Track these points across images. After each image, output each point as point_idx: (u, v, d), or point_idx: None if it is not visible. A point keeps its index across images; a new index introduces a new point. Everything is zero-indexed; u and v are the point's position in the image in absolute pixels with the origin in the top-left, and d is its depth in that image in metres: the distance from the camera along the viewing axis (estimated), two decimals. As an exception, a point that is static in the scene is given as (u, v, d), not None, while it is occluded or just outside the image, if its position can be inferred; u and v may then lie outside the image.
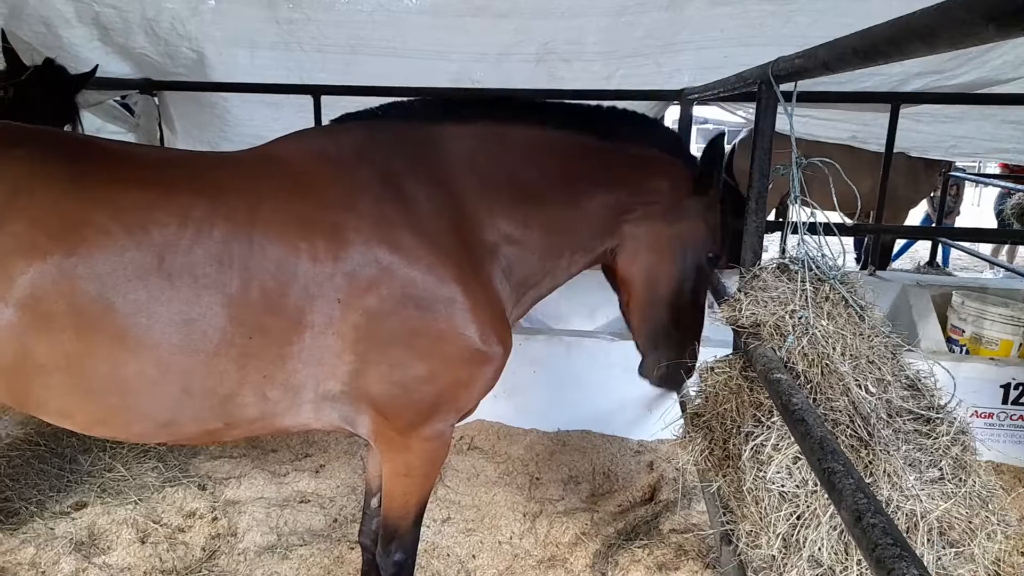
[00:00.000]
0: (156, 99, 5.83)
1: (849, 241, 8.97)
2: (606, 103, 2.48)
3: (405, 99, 2.41)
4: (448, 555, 3.28)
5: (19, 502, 3.54)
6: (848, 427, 1.81)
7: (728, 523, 2.12)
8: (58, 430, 4.19)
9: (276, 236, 1.95)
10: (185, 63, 5.44)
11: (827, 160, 2.17)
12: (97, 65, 4.74)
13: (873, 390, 1.87)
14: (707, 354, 2.67)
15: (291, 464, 4.08)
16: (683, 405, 3.49)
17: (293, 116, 5.49)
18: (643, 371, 2.57)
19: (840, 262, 2.17)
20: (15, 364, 1.89)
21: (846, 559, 1.71)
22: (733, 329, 2.23)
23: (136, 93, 5.71)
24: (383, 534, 2.35)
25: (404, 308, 2.02)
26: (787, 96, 2.24)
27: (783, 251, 2.38)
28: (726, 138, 2.60)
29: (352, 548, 3.26)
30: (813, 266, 2.10)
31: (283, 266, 1.94)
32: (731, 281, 2.87)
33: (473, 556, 3.28)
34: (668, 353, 2.47)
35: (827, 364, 1.89)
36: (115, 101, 5.97)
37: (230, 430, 2.08)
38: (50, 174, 1.90)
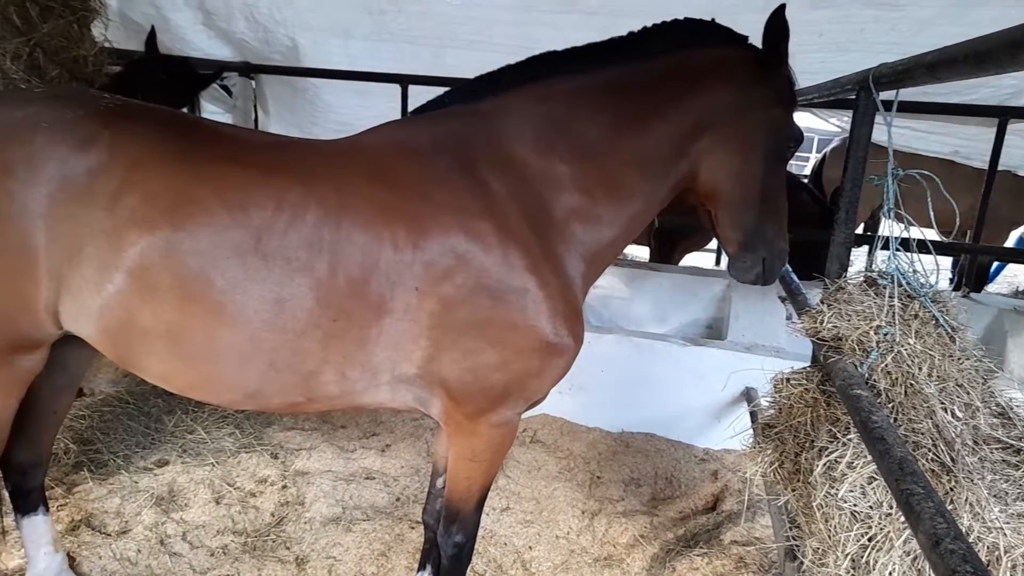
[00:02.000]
0: (253, 82, 6.08)
1: (946, 260, 8.55)
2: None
3: (463, 84, 2.35)
4: (505, 544, 3.31)
5: (108, 455, 3.77)
6: (930, 451, 1.74)
7: (794, 539, 2.07)
8: (146, 391, 4.45)
9: (362, 224, 2.01)
10: (281, 49, 5.65)
11: (926, 173, 2.08)
12: (223, 70, 4.99)
13: (960, 415, 1.79)
14: (782, 365, 2.61)
15: (359, 441, 4.20)
16: (754, 415, 3.43)
17: (381, 104, 5.63)
18: (736, 272, 2.37)
19: (933, 280, 2.08)
20: (122, 328, 2.02)
21: (919, 587, 1.65)
22: (813, 341, 2.18)
23: (235, 76, 5.97)
24: (446, 515, 2.40)
25: (477, 297, 2.05)
26: (887, 104, 2.16)
27: (868, 266, 2.30)
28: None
29: (413, 527, 3.34)
30: (903, 282, 2.03)
31: (367, 253, 2.00)
32: (813, 293, 2.80)
33: (530, 547, 3.30)
34: (763, 252, 2.29)
35: (912, 384, 1.83)
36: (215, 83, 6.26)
37: (311, 404, 2.17)
38: (164, 152, 2.01)
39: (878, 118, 2.25)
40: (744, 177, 2.22)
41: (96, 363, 4.26)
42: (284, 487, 3.64)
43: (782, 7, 2.12)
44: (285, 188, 2.01)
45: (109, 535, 3.17)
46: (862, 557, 1.70)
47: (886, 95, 2.20)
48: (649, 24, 2.24)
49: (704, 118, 2.19)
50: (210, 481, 3.60)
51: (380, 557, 3.15)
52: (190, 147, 2.04)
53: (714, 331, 5.31)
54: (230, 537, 3.21)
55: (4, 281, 1.99)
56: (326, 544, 3.20)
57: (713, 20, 2.23)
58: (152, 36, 4.42)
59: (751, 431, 2.84)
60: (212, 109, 6.36)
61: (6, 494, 2.69)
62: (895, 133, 2.11)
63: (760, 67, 2.17)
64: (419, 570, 2.75)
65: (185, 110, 4.57)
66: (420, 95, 5.11)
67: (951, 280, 8.47)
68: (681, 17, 2.22)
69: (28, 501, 2.67)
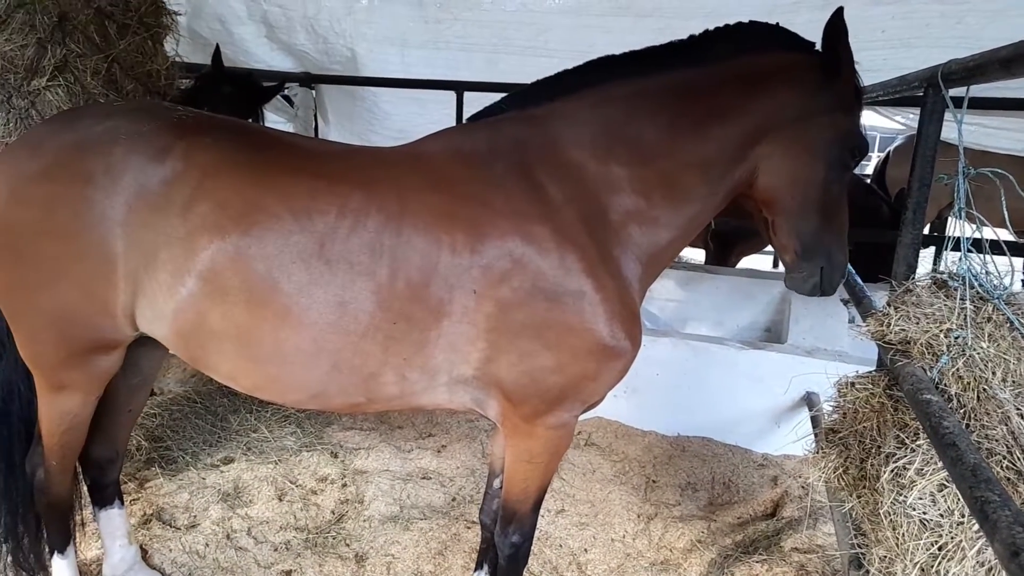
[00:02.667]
0: (313, 92, 6.25)
1: (1020, 262, 8.18)
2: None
3: (519, 89, 2.37)
4: (560, 546, 3.32)
5: (177, 452, 3.92)
6: (1005, 458, 1.68)
7: (859, 546, 2.02)
8: (212, 391, 4.61)
9: (422, 229, 2.05)
10: (340, 59, 5.80)
11: (1000, 171, 2.01)
12: (285, 82, 5.18)
13: (1037, 421, 1.72)
14: (845, 370, 2.55)
15: (415, 442, 4.27)
16: (816, 420, 3.35)
17: (437, 112, 5.72)
18: (792, 284, 2.33)
19: (1007, 282, 2.01)
20: (193, 329, 2.11)
21: (993, 598, 1.59)
22: (879, 345, 2.12)
23: (296, 86, 6.15)
24: (502, 515, 2.42)
25: (534, 300, 2.06)
26: (957, 101, 2.10)
27: (938, 267, 2.23)
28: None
29: (468, 527, 3.37)
30: (975, 283, 1.96)
31: (427, 257, 2.04)
32: (878, 296, 2.72)
33: (585, 550, 3.30)
34: (821, 262, 2.25)
35: (985, 389, 1.76)
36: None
37: (372, 404, 2.22)
38: (234, 161, 2.10)
39: (947, 115, 2.19)
40: (803, 185, 2.17)
41: (165, 364, 4.43)
42: (344, 485, 3.72)
43: (840, 9, 2.06)
44: (347, 195, 2.06)
45: (179, 529, 3.30)
46: (932, 567, 1.65)
47: (956, 91, 2.13)
48: (704, 26, 2.22)
49: (764, 123, 2.14)
50: (273, 479, 3.71)
51: (437, 556, 3.19)
52: (258, 157, 2.12)
53: (772, 334, 5.21)
54: (292, 533, 3.31)
55: (85, 285, 2.10)
56: (384, 542, 3.26)
57: (777, 24, 2.19)
58: (217, 52, 4.60)
59: (813, 436, 2.78)
60: (275, 119, 6.56)
61: (85, 488, 2.83)
62: (964, 130, 2.04)
63: (824, 72, 2.12)
64: (476, 569, 2.78)
65: (249, 121, 4.73)
66: (475, 101, 5.21)
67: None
68: (737, 17, 2.19)
69: (105, 495, 2.80)
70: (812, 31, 2.18)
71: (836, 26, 2.07)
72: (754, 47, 2.16)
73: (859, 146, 2.18)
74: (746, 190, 2.26)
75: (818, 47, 2.17)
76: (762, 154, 2.17)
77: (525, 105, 2.29)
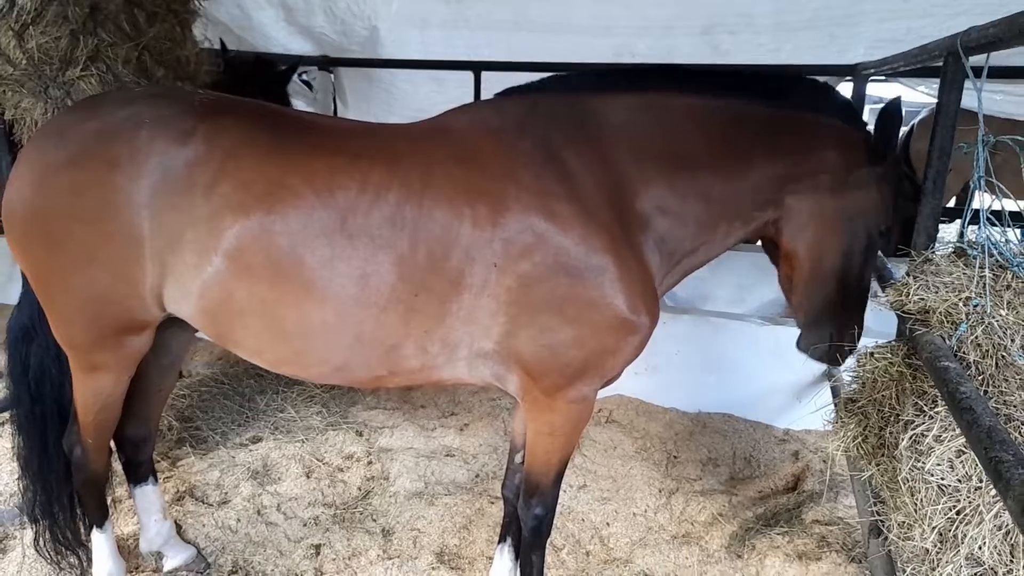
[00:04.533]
0: (332, 75, 6.28)
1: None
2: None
3: (566, 73, 2.43)
4: (583, 520, 3.37)
5: (207, 431, 4.02)
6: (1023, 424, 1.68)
7: (878, 514, 2.04)
8: (239, 372, 4.71)
9: (444, 202, 2.08)
10: (359, 40, 5.82)
11: (1020, 139, 1.99)
12: (299, 61, 5.24)
13: (1057, 387, 1.72)
14: (866, 343, 2.55)
15: (438, 420, 4.33)
16: (835, 391, 3.36)
17: (455, 91, 5.73)
18: (802, 346, 2.45)
19: (1027, 249, 2.00)
20: (219, 306, 2.16)
21: (1011, 561, 1.61)
22: (898, 315, 2.12)
23: (315, 69, 6.18)
24: (525, 489, 2.46)
25: (555, 275, 2.09)
26: (977, 71, 2.08)
27: (959, 238, 2.22)
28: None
29: (492, 502, 3.43)
30: (995, 252, 1.95)
31: (448, 230, 2.07)
32: (900, 268, 2.71)
33: (607, 524, 3.35)
34: (830, 330, 2.36)
35: (1003, 356, 1.77)
36: (295, 77, 6.49)
37: (393, 377, 2.26)
38: (255, 142, 2.14)
39: (968, 85, 2.17)
40: (823, 251, 2.27)
41: (193, 347, 4.53)
42: (369, 463, 3.80)
43: (899, 98, 2.19)
44: (368, 170, 2.10)
45: (211, 505, 3.39)
46: (950, 531, 1.67)
47: (976, 59, 2.11)
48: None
49: (806, 177, 2.24)
50: (300, 456, 3.79)
51: (462, 530, 3.25)
52: (279, 136, 2.16)
53: (794, 310, 5.18)
54: (321, 509, 3.39)
55: (115, 268, 2.16)
56: (410, 517, 3.33)
57: (836, 91, 2.35)
58: (225, 53, 4.62)
59: (832, 407, 2.79)
60: (294, 102, 6.61)
61: (119, 466, 2.92)
62: (987, 99, 2.03)
63: (870, 151, 2.23)
64: (500, 542, 2.83)
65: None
66: (494, 81, 5.21)
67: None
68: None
69: (139, 472, 2.89)
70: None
71: (892, 112, 2.19)
72: (823, 108, 2.28)
73: (887, 225, 2.31)
74: (772, 232, 2.35)
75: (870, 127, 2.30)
76: (794, 205, 2.27)
77: (574, 89, 2.34)
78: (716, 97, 2.25)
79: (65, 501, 2.72)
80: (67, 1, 2.76)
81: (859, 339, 2.36)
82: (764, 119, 2.24)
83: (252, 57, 4.96)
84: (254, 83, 4.56)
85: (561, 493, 2.72)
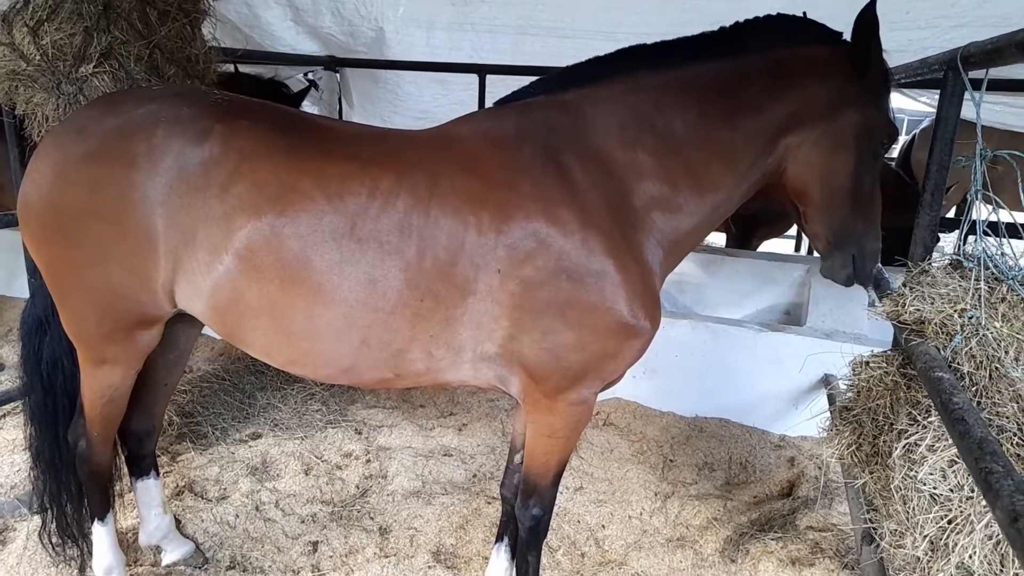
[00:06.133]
0: (338, 75, 6.31)
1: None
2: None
3: (550, 74, 2.40)
4: (579, 522, 3.40)
5: (207, 427, 4.05)
6: (1016, 435, 1.72)
7: (871, 521, 2.07)
8: (240, 369, 4.73)
9: (450, 210, 2.11)
10: (365, 41, 5.85)
11: (1017, 153, 2.03)
12: (310, 85, 5.22)
13: (1049, 400, 1.76)
14: (863, 352, 2.58)
15: (436, 420, 4.36)
16: (831, 399, 3.39)
17: (460, 93, 5.75)
18: (827, 272, 2.36)
19: (1022, 262, 2.03)
20: (230, 305, 2.19)
21: (1001, 571, 1.64)
22: (894, 325, 2.15)
23: (321, 69, 6.21)
24: (523, 489, 2.49)
25: (557, 280, 2.11)
26: (976, 84, 2.11)
27: (957, 250, 2.25)
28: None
29: (489, 502, 3.46)
30: (990, 264, 1.99)
31: (454, 237, 2.10)
32: (896, 278, 2.75)
33: (603, 526, 3.38)
34: (852, 251, 2.28)
35: (997, 368, 1.80)
36: (301, 77, 6.52)
37: (400, 380, 2.30)
38: (270, 144, 2.17)
39: (967, 97, 2.20)
40: (835, 175, 2.20)
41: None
42: (368, 461, 3.83)
43: (872, 2, 2.08)
44: (379, 177, 2.13)
45: (210, 500, 3.42)
46: (941, 539, 1.70)
47: (976, 73, 2.15)
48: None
49: (794, 115, 2.18)
50: (299, 454, 3.82)
51: (459, 530, 3.28)
52: (293, 140, 2.19)
53: (792, 317, 5.23)
54: (319, 506, 3.42)
55: (129, 263, 2.19)
56: (407, 516, 3.36)
57: (804, 15, 2.21)
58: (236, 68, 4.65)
59: (828, 415, 2.82)
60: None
61: (122, 459, 2.95)
62: (988, 111, 2.07)
63: (853, 64, 2.15)
64: (496, 542, 2.86)
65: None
66: (498, 83, 5.24)
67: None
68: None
69: (142, 466, 2.92)
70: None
71: (867, 18, 2.10)
72: (785, 40, 2.19)
73: (889, 134, 2.21)
74: (775, 180, 2.29)
75: (847, 37, 2.18)
76: (791, 145, 2.20)
77: (554, 90, 2.33)
78: (683, 66, 2.22)
79: (74, 490, 2.76)
80: (82, -1, 2.79)
81: (879, 253, 2.29)
82: (732, 75, 2.19)
83: (266, 77, 5.00)
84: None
85: (558, 495, 2.74)
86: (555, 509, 2.85)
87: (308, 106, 6.50)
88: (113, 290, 2.24)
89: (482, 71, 5.46)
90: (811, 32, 2.21)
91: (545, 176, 2.16)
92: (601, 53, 2.31)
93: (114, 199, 2.13)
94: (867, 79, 2.15)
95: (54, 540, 2.79)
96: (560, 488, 2.65)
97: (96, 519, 2.76)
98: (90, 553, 2.80)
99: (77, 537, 2.81)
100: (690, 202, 2.25)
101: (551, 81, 2.37)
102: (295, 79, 6.37)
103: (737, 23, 2.22)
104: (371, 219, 2.09)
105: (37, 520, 2.90)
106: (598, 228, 2.12)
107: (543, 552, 2.67)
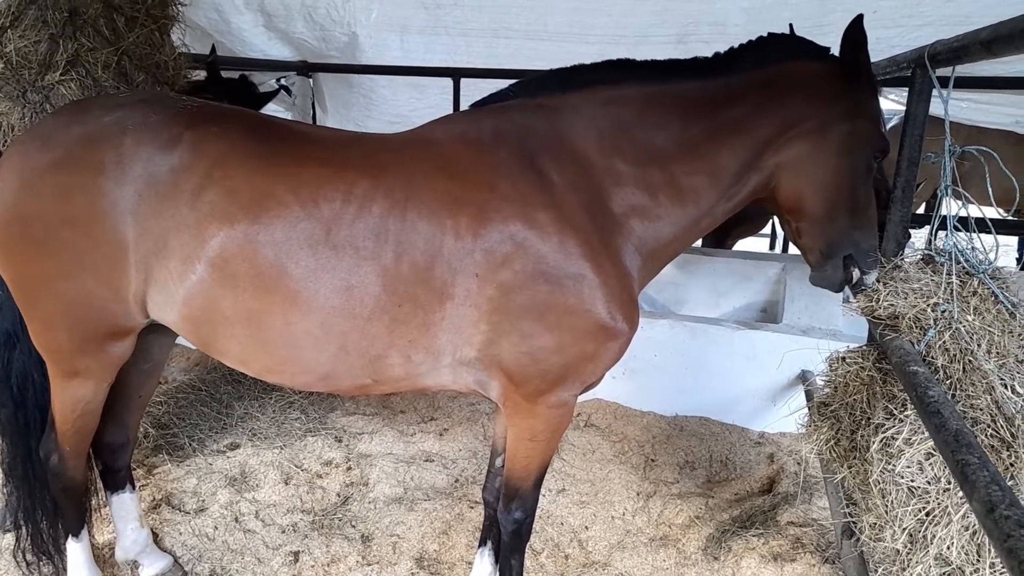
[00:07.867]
0: (311, 80, 6.26)
1: (1013, 239, 8.25)
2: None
3: (530, 77, 2.41)
4: (562, 524, 3.40)
5: (184, 438, 3.98)
6: (989, 427, 1.74)
7: (851, 515, 2.09)
8: (217, 378, 4.67)
9: (427, 214, 2.10)
10: (338, 46, 5.81)
11: (984, 149, 2.06)
12: (279, 88, 5.18)
13: (1021, 391, 1.79)
14: (839, 347, 2.61)
15: (417, 426, 4.34)
16: (809, 395, 3.42)
17: (435, 97, 5.73)
18: (819, 281, 2.34)
19: (992, 256, 2.06)
20: (204, 315, 2.16)
21: (978, 560, 1.66)
22: (869, 320, 2.18)
23: (294, 74, 6.16)
24: (505, 493, 2.48)
25: (535, 283, 2.11)
26: (943, 81, 2.15)
27: (927, 245, 2.28)
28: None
29: (472, 507, 3.44)
30: (961, 259, 2.02)
31: (431, 242, 2.09)
32: (870, 274, 2.78)
33: (586, 527, 3.38)
34: (846, 251, 2.26)
35: (970, 361, 1.83)
36: (274, 82, 6.46)
37: (379, 386, 2.28)
38: (242, 150, 2.14)
39: (935, 94, 2.24)
40: (829, 190, 2.20)
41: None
42: (348, 469, 3.79)
43: (860, 16, 2.11)
44: (354, 181, 2.11)
45: (188, 513, 3.36)
46: (919, 531, 1.72)
47: (943, 71, 2.18)
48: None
49: (781, 133, 2.18)
50: (279, 463, 3.78)
51: (441, 535, 3.26)
52: (266, 145, 2.16)
53: (768, 315, 5.27)
54: (299, 515, 3.38)
55: (99, 273, 2.15)
56: (390, 523, 3.33)
57: (792, 31, 2.22)
58: (214, 62, 4.58)
59: (806, 410, 2.85)
60: (273, 108, 6.57)
61: (97, 473, 2.89)
62: (955, 107, 2.10)
63: (842, 79, 2.16)
64: (480, 547, 2.85)
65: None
66: (472, 86, 5.24)
67: (1018, 260, 8.19)
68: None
69: (117, 479, 2.87)
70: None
71: (855, 32, 2.12)
72: (773, 58, 2.20)
73: (881, 148, 2.22)
74: (766, 194, 2.29)
75: (835, 52, 2.20)
76: (781, 163, 2.21)
77: (535, 94, 2.32)
78: (670, 83, 2.22)
79: (49, 506, 2.70)
80: (46, 5, 2.73)
81: (877, 248, 2.28)
82: (721, 92, 2.20)
83: (239, 76, 4.93)
84: (234, 101, 4.54)
85: (540, 497, 2.74)
86: (538, 511, 2.84)
87: (281, 112, 6.44)
88: (83, 301, 2.20)
89: (456, 75, 5.45)
90: (799, 49, 2.23)
91: (522, 179, 2.16)
92: (575, 55, 2.31)
93: (82, 208, 2.09)
94: (856, 93, 2.16)
95: (28, 558, 2.73)
96: (542, 490, 2.65)
97: (70, 535, 2.70)
98: (65, 570, 2.74)
99: (52, 554, 2.75)
100: (670, 213, 2.25)
101: (531, 84, 2.37)
102: (267, 84, 6.30)
103: (731, 48, 2.24)
104: (347, 224, 2.07)
105: (10, 538, 2.84)
106: (576, 231, 2.12)
107: (527, 555, 2.66)
